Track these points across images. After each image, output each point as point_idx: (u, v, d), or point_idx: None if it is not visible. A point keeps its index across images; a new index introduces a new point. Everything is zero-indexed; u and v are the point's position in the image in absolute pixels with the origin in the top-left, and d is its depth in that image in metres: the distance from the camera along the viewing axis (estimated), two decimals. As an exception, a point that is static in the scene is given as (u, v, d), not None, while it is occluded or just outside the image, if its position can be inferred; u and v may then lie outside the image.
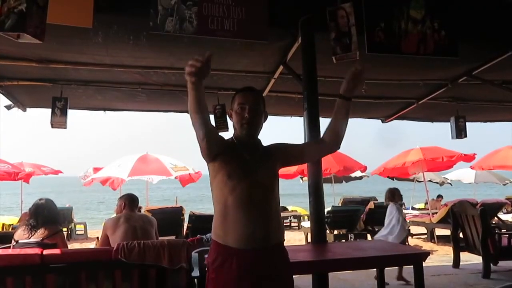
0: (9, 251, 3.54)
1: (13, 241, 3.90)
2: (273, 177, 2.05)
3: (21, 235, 3.87)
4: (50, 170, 11.95)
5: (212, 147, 1.96)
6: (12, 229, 9.33)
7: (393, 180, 12.94)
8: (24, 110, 5.93)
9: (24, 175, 9.07)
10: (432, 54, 4.04)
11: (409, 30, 4.02)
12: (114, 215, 4.58)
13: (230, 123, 5.61)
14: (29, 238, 3.82)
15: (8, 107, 5.77)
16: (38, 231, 3.86)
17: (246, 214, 1.90)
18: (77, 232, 12.28)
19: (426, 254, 3.01)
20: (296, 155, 2.20)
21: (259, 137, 2.15)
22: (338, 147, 2.15)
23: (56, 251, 3.54)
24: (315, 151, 2.34)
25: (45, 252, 3.42)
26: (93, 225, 14.77)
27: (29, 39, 2.73)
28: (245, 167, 1.97)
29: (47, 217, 3.95)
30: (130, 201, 4.33)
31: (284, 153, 2.15)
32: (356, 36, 3.35)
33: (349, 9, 3.43)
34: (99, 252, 3.76)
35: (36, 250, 3.41)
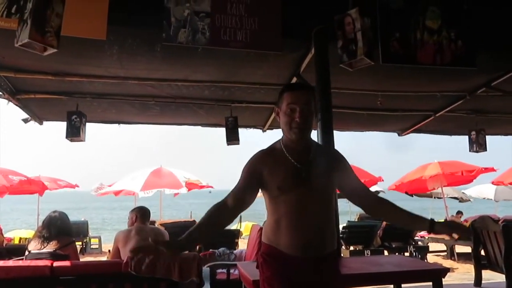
0: (20, 263, 3.53)
1: (26, 251, 3.92)
2: (328, 183, 1.93)
3: (33, 246, 3.88)
4: (66, 184, 12.07)
5: (253, 197, 1.92)
6: (28, 242, 9.42)
7: (412, 196, 12.67)
8: (41, 123, 6.02)
9: (39, 188, 9.16)
10: (449, 65, 3.95)
11: (425, 40, 3.94)
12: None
13: (241, 136, 5.71)
14: (42, 249, 3.83)
15: (25, 121, 5.87)
16: (51, 242, 3.87)
17: (300, 223, 1.83)
18: (92, 246, 12.33)
19: (446, 270, 2.87)
20: (346, 187, 2.01)
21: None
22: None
23: (66, 263, 3.51)
24: (355, 198, 2.06)
25: (55, 264, 3.40)
26: (107, 240, 14.80)
27: (41, 48, 2.75)
28: (296, 177, 1.85)
29: (60, 228, 3.97)
30: (141, 214, 4.30)
31: (343, 179, 1.97)
32: (363, 41, 3.28)
33: (355, 15, 3.37)
34: (109, 264, 3.72)
35: (46, 262, 3.39)
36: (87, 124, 5.35)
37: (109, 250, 5.36)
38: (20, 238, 11.09)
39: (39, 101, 5.20)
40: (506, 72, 4.60)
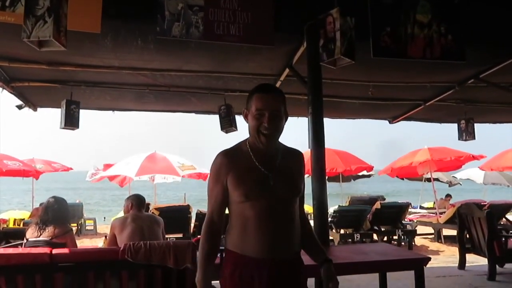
0: (20, 250, 3.64)
1: (25, 239, 4.02)
2: (293, 189, 1.88)
3: (31, 234, 3.98)
4: (60, 167, 12.12)
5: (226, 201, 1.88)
6: (23, 224, 9.55)
7: (403, 179, 12.90)
8: (35, 110, 6.05)
9: (34, 173, 9.22)
10: (438, 58, 4.03)
11: (415, 34, 4.01)
12: (122, 212, 4.67)
13: (238, 122, 5.79)
14: (39, 237, 3.93)
15: (19, 107, 5.90)
16: (48, 229, 3.97)
17: (266, 227, 1.79)
18: (87, 228, 12.48)
19: (427, 259, 3.03)
20: None
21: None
22: None
23: (65, 250, 3.63)
24: None
25: (54, 251, 3.51)
26: (102, 221, 14.98)
27: (56, 46, 2.81)
28: (264, 185, 1.80)
29: (57, 216, 4.05)
30: (137, 202, 4.40)
31: (302, 181, 1.95)
32: (340, 41, 3.34)
33: (336, 14, 3.42)
34: (106, 252, 3.84)
35: (46, 250, 3.50)
36: (81, 110, 5.40)
37: (105, 236, 5.49)
38: (15, 219, 11.18)
39: (34, 89, 5.23)
40: (494, 65, 4.71)
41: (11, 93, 5.26)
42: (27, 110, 5.95)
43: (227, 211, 1.93)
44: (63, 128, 5.06)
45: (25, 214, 11.87)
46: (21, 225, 9.64)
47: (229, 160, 1.85)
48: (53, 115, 5.68)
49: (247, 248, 1.80)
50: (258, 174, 1.81)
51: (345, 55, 3.39)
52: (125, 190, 12.14)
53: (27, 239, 3.95)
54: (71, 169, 12.44)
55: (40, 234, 3.94)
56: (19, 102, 5.76)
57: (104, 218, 15.73)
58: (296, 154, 1.98)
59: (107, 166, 9.46)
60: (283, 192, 1.82)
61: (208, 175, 1.92)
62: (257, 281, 1.78)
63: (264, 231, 1.78)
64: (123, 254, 3.53)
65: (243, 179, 1.80)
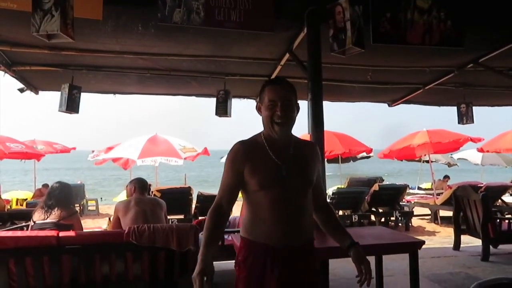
0: (28, 233, 3.75)
1: (31, 221, 4.14)
2: (306, 179, 1.95)
3: (38, 216, 4.10)
4: (62, 148, 12.22)
5: (239, 192, 1.96)
6: (26, 205, 9.70)
7: (402, 160, 13.01)
8: (37, 93, 6.09)
9: (36, 155, 9.30)
10: (437, 44, 4.03)
11: (415, 20, 4.00)
12: (125, 192, 4.79)
13: (232, 109, 5.85)
14: (46, 219, 4.05)
15: (21, 90, 5.94)
16: (54, 212, 4.09)
17: (278, 215, 1.86)
18: (89, 208, 12.66)
19: (421, 243, 3.14)
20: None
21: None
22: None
23: (71, 233, 3.75)
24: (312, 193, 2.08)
25: (61, 234, 3.62)
26: (104, 201, 15.16)
27: (64, 38, 2.85)
28: (277, 175, 1.87)
29: (61, 200, 4.17)
30: (140, 185, 4.49)
31: (316, 171, 2.02)
32: (351, 30, 3.36)
33: (345, 4, 3.42)
34: (111, 234, 3.95)
35: (53, 232, 3.62)
36: (82, 93, 5.43)
37: (109, 218, 5.62)
38: (17, 199, 11.36)
39: (35, 73, 5.26)
40: (493, 50, 4.73)
41: (13, 76, 5.29)
42: (29, 93, 6.00)
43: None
44: (63, 112, 5.11)
45: (27, 195, 12.04)
46: (24, 206, 9.81)
47: (245, 150, 1.92)
48: (54, 97, 5.72)
49: (260, 235, 1.88)
50: (272, 165, 1.88)
51: (355, 45, 3.42)
52: (127, 170, 12.27)
53: (34, 222, 4.07)
54: (74, 149, 12.52)
55: (47, 217, 4.06)
56: (21, 86, 5.80)
57: (101, 198, 15.83)
58: (309, 147, 2.06)
59: (109, 149, 9.55)
60: (295, 182, 1.89)
61: (224, 163, 1.98)
62: (269, 267, 1.86)
63: (276, 219, 1.86)
64: (128, 237, 3.65)
65: (258, 169, 1.88)
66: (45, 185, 11.52)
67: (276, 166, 1.88)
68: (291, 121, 1.93)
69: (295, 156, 1.94)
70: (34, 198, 10.69)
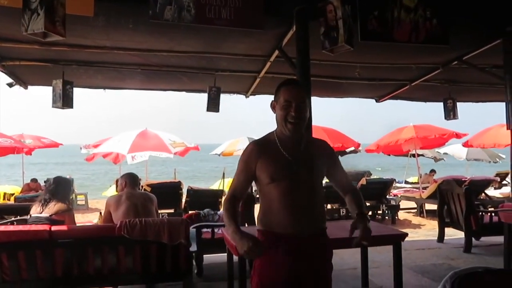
0: (20, 227, 3.79)
1: (29, 215, 4.17)
2: (316, 174, 2.09)
3: (35, 210, 4.13)
4: (50, 142, 12.14)
5: (250, 185, 2.15)
6: (15, 199, 9.65)
7: (389, 155, 13.22)
8: (26, 87, 6.08)
9: (26, 149, 9.25)
10: (423, 42, 4.14)
11: (402, 18, 4.10)
12: (114, 186, 4.84)
13: (221, 106, 5.93)
14: (41, 213, 4.09)
15: (10, 85, 5.92)
16: (49, 206, 4.12)
17: (291, 204, 2.01)
18: (78, 203, 12.62)
19: (404, 235, 3.27)
20: (331, 176, 2.22)
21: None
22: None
23: (64, 227, 3.80)
24: (338, 187, 2.27)
25: (53, 228, 3.67)
26: (93, 196, 15.10)
27: (53, 37, 2.89)
28: (288, 170, 2.01)
29: (58, 193, 4.21)
30: (131, 180, 4.54)
31: (330, 169, 2.18)
32: (343, 29, 3.45)
33: (336, 3, 3.51)
34: (103, 228, 4.01)
35: (45, 227, 3.66)
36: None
37: (100, 213, 5.66)
38: (5, 194, 11.28)
39: (25, 68, 5.26)
40: (476, 48, 4.87)
41: (1, 71, 5.28)
42: (17, 88, 5.98)
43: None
44: (58, 108, 5.12)
45: (15, 189, 11.96)
46: (12, 200, 9.74)
47: (259, 148, 2.08)
48: (40, 91, 5.72)
49: (273, 225, 2.04)
50: (283, 160, 2.03)
51: (348, 42, 3.51)
52: (116, 165, 12.23)
53: (30, 215, 4.11)
54: (61, 144, 12.44)
55: (43, 210, 4.09)
56: (10, 80, 5.78)
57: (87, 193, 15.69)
58: (319, 144, 2.22)
59: (98, 144, 9.52)
60: (304, 176, 2.04)
61: (239, 161, 2.14)
62: (281, 255, 2.00)
63: (287, 209, 2.01)
64: (120, 231, 3.71)
65: (270, 164, 2.03)
66: (34, 180, 11.46)
67: (287, 161, 2.03)
68: (303, 121, 2.07)
69: (306, 153, 2.08)
70: (23, 193, 10.64)
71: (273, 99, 2.13)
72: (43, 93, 5.28)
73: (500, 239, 4.94)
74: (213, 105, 5.71)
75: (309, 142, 2.15)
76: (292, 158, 2.04)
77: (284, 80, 2.14)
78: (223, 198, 8.41)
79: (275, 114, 2.11)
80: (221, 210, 6.73)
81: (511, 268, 4.63)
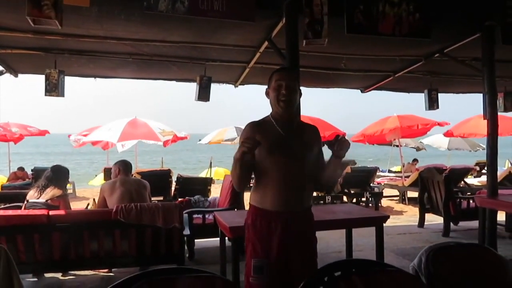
0: (19, 212, 3.90)
1: (25, 201, 4.27)
2: (306, 151, 2.26)
3: (31, 195, 4.24)
4: (36, 131, 12.06)
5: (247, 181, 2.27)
6: (1, 187, 9.65)
7: (373, 145, 13.51)
8: (16, 76, 6.09)
9: (15, 137, 9.22)
10: (406, 35, 4.33)
11: (386, 12, 4.29)
12: (101, 175, 4.93)
13: (212, 95, 6.04)
14: (38, 198, 4.20)
15: (0, 73, 5.93)
16: (46, 192, 4.23)
17: (283, 183, 2.19)
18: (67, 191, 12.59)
19: (386, 217, 3.50)
20: (314, 159, 2.33)
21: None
22: (318, 189, 2.48)
23: (61, 212, 3.93)
24: (316, 169, 2.36)
25: (51, 213, 3.80)
26: (78, 186, 15.08)
27: (44, 23, 2.97)
28: (281, 142, 2.21)
29: (54, 180, 4.32)
30: (124, 167, 4.68)
31: (315, 151, 2.32)
32: (327, 24, 3.63)
33: None
34: (100, 213, 4.15)
35: (44, 211, 3.78)
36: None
37: (93, 199, 5.77)
38: (-10, 183, 11.21)
39: (16, 56, 5.28)
40: (456, 42, 5.09)
41: (-8, 59, 5.31)
42: (7, 76, 5.99)
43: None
44: (50, 96, 5.18)
45: (2, 179, 11.91)
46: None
47: (255, 127, 2.28)
48: (30, 79, 5.73)
49: (266, 203, 2.23)
50: (278, 135, 2.24)
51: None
52: (103, 154, 12.23)
53: (27, 201, 4.21)
54: (48, 132, 12.37)
55: (40, 196, 4.20)
56: (0, 68, 5.80)
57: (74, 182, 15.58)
58: (310, 127, 2.41)
59: (88, 131, 9.55)
60: (297, 149, 2.23)
61: (239, 140, 2.34)
62: (273, 229, 2.20)
63: (280, 187, 2.21)
64: (116, 215, 3.86)
65: (266, 138, 2.20)
66: (21, 168, 11.41)
67: (281, 136, 2.24)
68: (294, 101, 2.27)
69: (297, 131, 2.30)
70: (10, 181, 10.62)
71: (267, 87, 2.34)
72: (26, 81, 5.31)
73: (476, 224, 5.23)
74: (203, 94, 5.83)
75: (300, 124, 2.38)
76: (285, 134, 2.24)
77: (278, 67, 2.34)
78: (212, 186, 8.59)
79: (269, 99, 2.31)
80: (211, 196, 6.91)
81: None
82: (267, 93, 2.33)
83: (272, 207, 2.21)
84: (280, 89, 2.23)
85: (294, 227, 2.23)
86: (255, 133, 2.21)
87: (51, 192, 4.18)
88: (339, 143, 2.22)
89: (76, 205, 10.00)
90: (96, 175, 14.90)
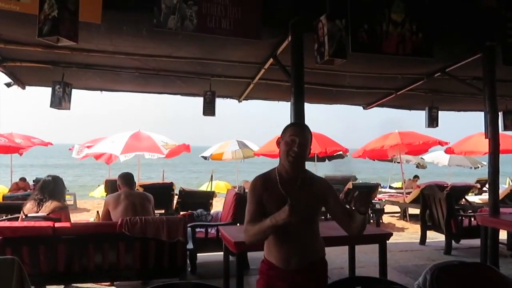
0: (25, 224, 3.92)
1: (22, 214, 4.27)
2: (311, 210, 2.23)
3: (29, 209, 4.23)
4: (40, 142, 12.14)
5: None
6: (3, 198, 9.64)
7: (374, 160, 13.56)
8: (24, 88, 6.18)
9: (18, 148, 9.27)
10: (409, 55, 4.40)
11: (390, 32, 4.37)
12: (102, 186, 4.95)
13: (217, 110, 6.13)
14: (37, 212, 4.21)
15: (8, 85, 6.02)
16: (45, 205, 4.24)
17: (284, 240, 2.19)
18: (67, 203, 12.59)
19: (389, 234, 3.52)
20: (332, 210, 2.32)
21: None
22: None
23: (67, 224, 3.95)
24: (339, 219, 2.32)
25: (57, 225, 3.82)
26: (81, 197, 15.09)
27: (65, 42, 3.06)
28: (281, 204, 2.08)
29: (53, 193, 4.32)
30: (127, 180, 4.71)
31: (330, 202, 2.28)
32: (328, 44, 3.69)
33: (324, 20, 3.76)
34: (104, 226, 4.17)
35: (49, 223, 3.81)
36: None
37: (97, 212, 5.79)
38: (-8, 193, 11.21)
39: (25, 69, 5.37)
40: (458, 61, 5.19)
41: (1, 71, 5.39)
42: (15, 88, 6.08)
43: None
44: (57, 108, 5.25)
45: (3, 189, 11.93)
46: (0, 199, 9.73)
47: (262, 183, 2.26)
48: (33, 92, 5.79)
49: (272, 259, 2.24)
50: (279, 196, 2.19)
51: (334, 56, 3.74)
52: (105, 166, 12.23)
53: (25, 215, 4.20)
54: (51, 144, 12.45)
55: (39, 210, 4.21)
56: (8, 80, 5.88)
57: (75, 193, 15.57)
58: (318, 182, 2.33)
59: (92, 143, 9.61)
60: (300, 214, 2.11)
61: (247, 195, 2.31)
62: (281, 282, 2.21)
63: (282, 244, 2.20)
64: (121, 228, 3.89)
65: (270, 199, 2.21)
66: (22, 179, 11.45)
67: (282, 197, 2.18)
68: (304, 157, 2.24)
69: (302, 188, 2.24)
70: (11, 192, 10.63)
71: (279, 137, 2.32)
72: (32, 94, 5.42)
73: (478, 242, 5.23)
74: (209, 110, 5.91)
75: (307, 179, 2.29)
76: (286, 193, 2.18)
77: (294, 122, 2.30)
78: (214, 199, 8.60)
79: (279, 149, 2.29)
80: (213, 210, 6.93)
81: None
82: (277, 143, 2.32)
83: (276, 262, 2.23)
84: (292, 145, 2.20)
85: (301, 284, 2.22)
86: (262, 191, 2.22)
87: (51, 205, 4.17)
88: (355, 201, 2.16)
89: (77, 217, 10.05)
90: (98, 185, 14.92)
